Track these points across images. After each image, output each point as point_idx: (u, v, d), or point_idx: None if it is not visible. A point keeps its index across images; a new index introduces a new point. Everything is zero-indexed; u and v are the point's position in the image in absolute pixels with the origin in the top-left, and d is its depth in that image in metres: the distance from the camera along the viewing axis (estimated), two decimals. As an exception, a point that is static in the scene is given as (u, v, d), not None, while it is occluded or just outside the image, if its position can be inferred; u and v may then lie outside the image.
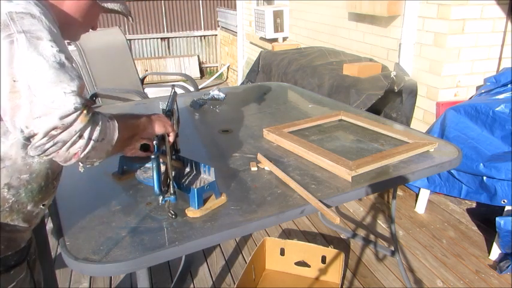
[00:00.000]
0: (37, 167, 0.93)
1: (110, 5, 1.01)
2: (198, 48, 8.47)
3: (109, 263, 0.95)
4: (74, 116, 0.80)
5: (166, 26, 8.19)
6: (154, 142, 1.06)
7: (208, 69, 8.59)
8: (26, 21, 0.79)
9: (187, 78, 4.28)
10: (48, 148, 0.81)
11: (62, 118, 0.78)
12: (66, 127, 0.80)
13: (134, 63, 3.98)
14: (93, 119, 0.84)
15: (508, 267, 2.21)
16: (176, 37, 8.27)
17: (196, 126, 1.92)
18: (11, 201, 0.92)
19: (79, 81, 0.82)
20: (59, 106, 0.78)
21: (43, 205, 1.00)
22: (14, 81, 0.76)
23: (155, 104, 2.23)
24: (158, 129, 1.09)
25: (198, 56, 8.37)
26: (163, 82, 6.96)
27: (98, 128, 0.85)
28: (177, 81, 5.75)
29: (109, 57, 3.78)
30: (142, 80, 4.07)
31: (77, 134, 0.82)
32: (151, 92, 3.97)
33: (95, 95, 3.46)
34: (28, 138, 0.80)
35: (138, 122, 1.05)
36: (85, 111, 0.82)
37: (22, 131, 0.79)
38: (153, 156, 1.01)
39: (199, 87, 4.69)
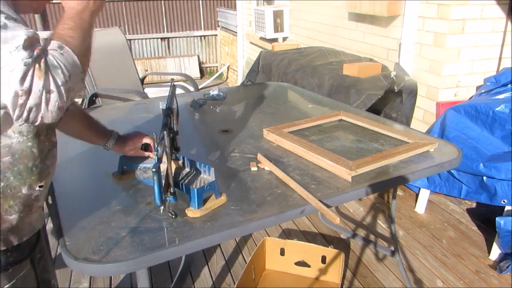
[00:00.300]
0: (18, 147, 0.90)
1: None
2: (198, 48, 8.47)
3: (109, 263, 0.94)
4: (29, 75, 0.74)
5: (166, 26, 8.19)
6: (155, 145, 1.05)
7: (208, 69, 8.59)
8: None
9: (187, 78, 4.28)
10: (27, 117, 0.77)
11: (18, 82, 0.74)
12: (28, 91, 0.75)
13: (134, 63, 3.98)
14: (49, 66, 0.78)
15: (508, 267, 2.21)
16: (176, 37, 8.27)
17: (196, 126, 1.92)
18: (0, 186, 0.90)
19: (26, 33, 0.76)
20: (10, 69, 0.73)
21: (40, 186, 0.98)
22: None
23: (155, 104, 2.23)
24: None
25: (198, 56, 8.37)
26: (163, 82, 6.97)
27: (59, 72, 0.79)
28: (177, 81, 5.75)
29: (109, 57, 3.78)
30: (142, 80, 4.07)
31: (44, 92, 0.76)
32: (151, 92, 3.97)
33: (95, 95, 3.46)
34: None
35: (77, 10, 0.91)
36: (37, 65, 0.76)
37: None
38: (154, 170, 1.00)
39: (199, 87, 4.69)
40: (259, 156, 1.43)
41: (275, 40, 5.17)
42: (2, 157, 0.88)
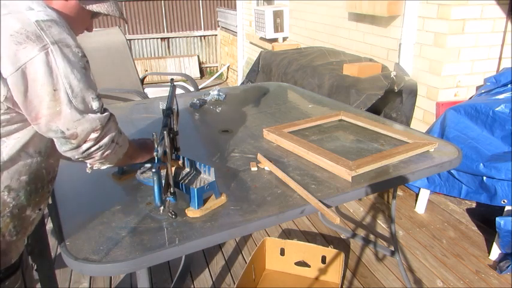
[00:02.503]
0: (35, 167, 0.93)
1: (94, 8, 0.97)
2: (198, 48, 8.47)
3: (109, 263, 0.95)
4: (108, 121, 0.93)
5: (166, 26, 8.19)
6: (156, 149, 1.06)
7: (208, 69, 8.59)
8: (54, 29, 0.82)
9: (187, 78, 4.28)
10: (93, 151, 0.92)
11: (97, 121, 0.90)
12: (105, 131, 0.92)
13: (134, 63, 3.98)
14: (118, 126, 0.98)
15: (508, 267, 2.21)
16: (176, 37, 8.27)
17: (196, 126, 1.92)
18: (11, 205, 0.90)
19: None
20: (91, 109, 0.89)
21: (39, 209, 0.99)
22: (55, 90, 0.82)
23: (155, 104, 2.23)
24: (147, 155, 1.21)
25: (198, 56, 8.37)
26: (163, 82, 6.97)
27: (122, 135, 1.00)
28: (177, 81, 5.75)
29: (109, 57, 3.78)
30: (142, 80, 4.07)
31: (112, 139, 0.95)
32: (151, 92, 3.97)
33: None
34: (68, 139, 0.88)
35: (138, 148, 1.17)
36: (113, 119, 0.95)
37: (63, 132, 0.87)
38: (154, 170, 1.00)
39: (199, 87, 4.69)
40: (259, 156, 1.43)
41: (275, 40, 5.17)
42: (21, 175, 0.91)
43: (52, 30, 0.82)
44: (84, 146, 0.90)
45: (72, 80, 0.84)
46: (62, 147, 0.91)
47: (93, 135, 0.90)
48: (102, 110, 0.92)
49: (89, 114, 0.88)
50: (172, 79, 1.39)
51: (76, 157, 0.92)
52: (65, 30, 0.85)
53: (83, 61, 0.87)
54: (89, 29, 1.05)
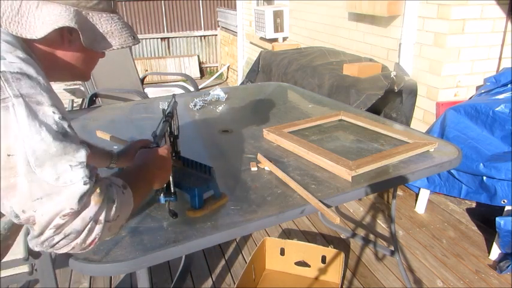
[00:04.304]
0: None
1: (106, 48, 0.84)
2: (198, 48, 8.47)
3: (109, 263, 0.94)
4: (85, 197, 0.68)
5: (166, 26, 8.19)
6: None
7: (208, 69, 8.59)
8: (24, 83, 0.66)
9: (187, 78, 4.28)
10: (58, 241, 0.68)
11: (70, 200, 0.66)
12: (77, 213, 0.67)
13: (134, 63, 3.98)
14: (107, 196, 0.72)
15: (508, 267, 2.21)
16: (176, 37, 8.28)
17: (196, 126, 1.92)
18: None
19: (85, 149, 0.70)
20: (64, 183, 0.66)
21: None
22: (9, 155, 0.63)
23: (155, 104, 2.23)
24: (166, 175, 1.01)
25: (198, 56, 8.37)
26: (163, 82, 6.97)
27: (113, 207, 0.73)
28: (177, 81, 5.76)
29: (109, 57, 3.75)
30: (142, 80, 4.07)
31: (92, 220, 0.69)
32: (151, 92, 3.97)
33: (95, 95, 3.46)
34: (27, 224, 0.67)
35: (149, 175, 0.95)
36: (98, 190, 0.70)
37: (17, 216, 0.66)
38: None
39: (199, 87, 4.69)
40: (259, 156, 1.43)
41: (275, 40, 5.17)
42: None
43: (21, 83, 0.65)
44: (45, 235, 0.67)
45: (36, 144, 0.64)
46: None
47: (57, 221, 0.66)
48: (88, 180, 0.68)
49: (61, 189, 0.66)
50: (174, 95, 1.35)
51: (37, 249, 0.70)
52: (41, 87, 0.68)
53: (59, 125, 0.67)
54: (102, 56, 0.94)
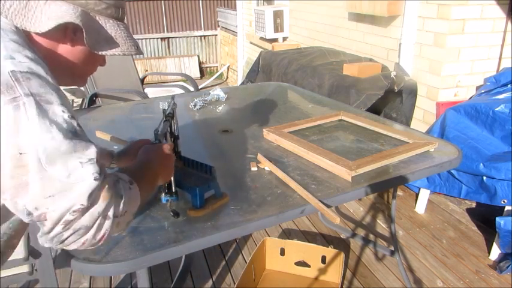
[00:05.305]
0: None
1: (109, 53, 0.84)
2: (198, 48, 8.47)
3: (109, 263, 0.95)
4: (95, 193, 0.69)
5: (167, 26, 8.19)
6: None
7: (208, 69, 8.59)
8: (33, 82, 0.66)
9: (187, 78, 4.28)
10: (67, 237, 0.69)
11: (81, 196, 0.67)
12: (86, 209, 0.68)
13: (134, 63, 3.98)
14: (115, 192, 0.73)
15: (508, 267, 2.21)
16: (176, 37, 8.28)
17: (197, 126, 1.92)
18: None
19: (94, 146, 0.71)
20: (75, 180, 0.66)
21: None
22: (21, 153, 0.64)
23: (155, 104, 2.23)
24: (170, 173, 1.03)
25: (198, 56, 8.37)
26: (163, 82, 6.97)
27: (121, 202, 0.74)
28: (177, 81, 5.75)
29: (109, 57, 3.77)
30: (142, 80, 4.07)
31: (101, 216, 0.70)
32: (151, 92, 3.97)
33: (95, 95, 3.47)
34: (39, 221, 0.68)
35: (154, 171, 0.95)
36: (106, 186, 0.71)
37: (30, 213, 0.67)
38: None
39: (199, 87, 4.69)
40: (259, 156, 1.43)
41: (275, 40, 5.17)
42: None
43: (31, 82, 0.66)
44: (54, 231, 0.68)
45: (48, 141, 0.65)
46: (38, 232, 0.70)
47: (67, 217, 0.67)
48: (99, 176, 0.69)
49: (72, 186, 0.66)
50: (173, 96, 1.34)
51: (47, 245, 0.71)
52: (50, 86, 0.69)
53: (68, 124, 0.68)
54: (102, 64, 0.94)
